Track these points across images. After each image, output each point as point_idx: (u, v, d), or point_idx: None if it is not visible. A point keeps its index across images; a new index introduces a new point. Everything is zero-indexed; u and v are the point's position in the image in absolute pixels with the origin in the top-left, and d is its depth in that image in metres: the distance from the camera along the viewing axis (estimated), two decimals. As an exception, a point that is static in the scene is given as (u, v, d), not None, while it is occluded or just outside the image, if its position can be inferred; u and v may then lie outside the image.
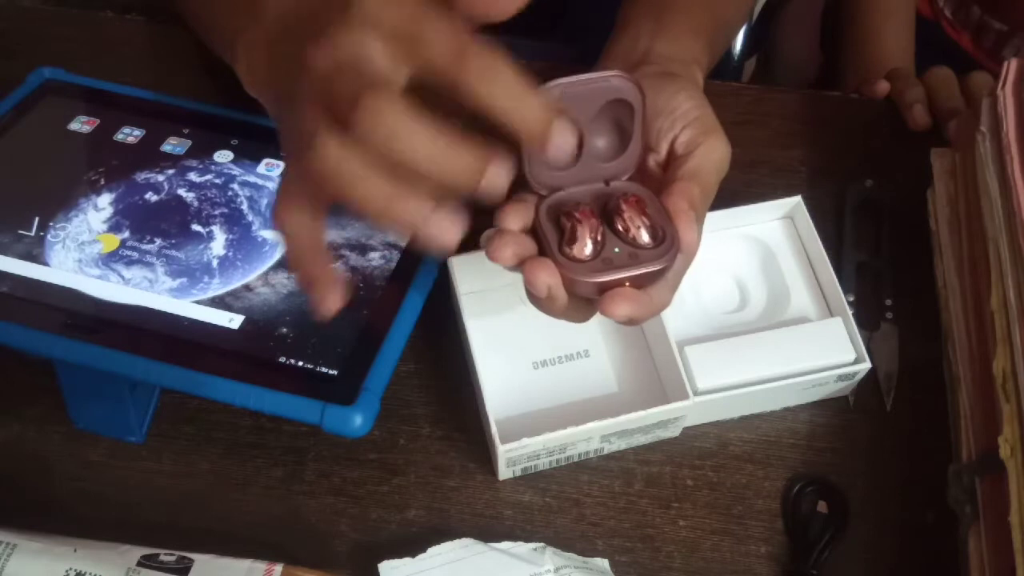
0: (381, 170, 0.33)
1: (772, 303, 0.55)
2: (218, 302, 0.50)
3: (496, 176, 0.34)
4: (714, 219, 0.56)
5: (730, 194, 0.58)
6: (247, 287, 0.50)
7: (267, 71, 0.41)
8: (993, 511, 0.44)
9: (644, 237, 0.40)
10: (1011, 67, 0.52)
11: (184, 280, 0.50)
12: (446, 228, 0.34)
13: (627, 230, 0.40)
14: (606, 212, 0.41)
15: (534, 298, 0.41)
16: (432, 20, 0.34)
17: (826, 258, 0.54)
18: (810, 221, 0.55)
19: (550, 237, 0.40)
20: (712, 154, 0.43)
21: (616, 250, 0.40)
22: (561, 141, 0.35)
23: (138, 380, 0.48)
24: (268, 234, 0.53)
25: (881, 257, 0.58)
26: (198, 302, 0.50)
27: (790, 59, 0.99)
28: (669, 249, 0.40)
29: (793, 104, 0.66)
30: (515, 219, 0.41)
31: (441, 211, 0.34)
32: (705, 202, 0.42)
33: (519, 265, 0.40)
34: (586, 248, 0.40)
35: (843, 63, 0.86)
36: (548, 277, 0.39)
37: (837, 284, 0.53)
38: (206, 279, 0.51)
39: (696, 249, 0.41)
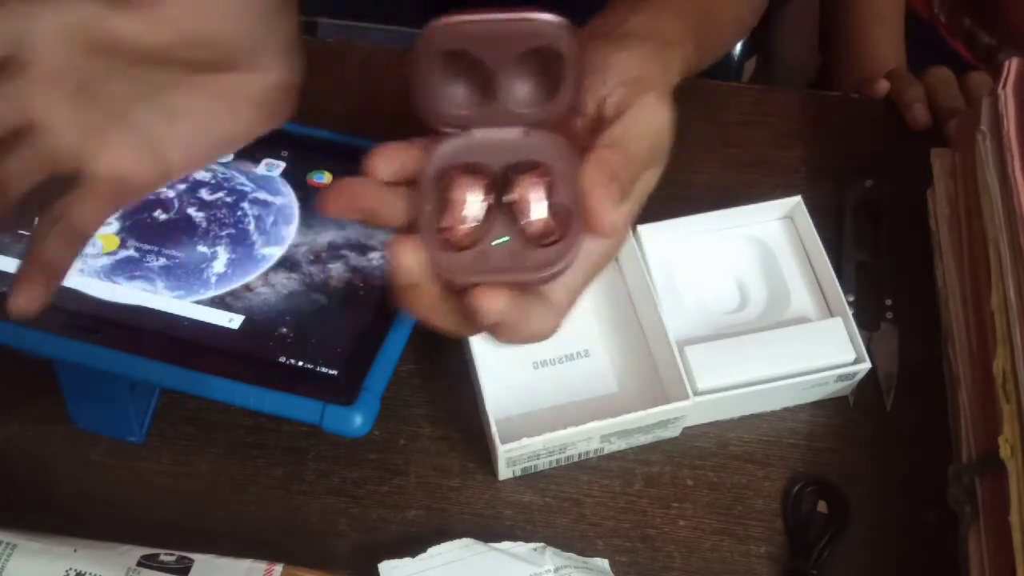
0: None
1: (772, 303, 0.55)
2: (218, 302, 0.50)
3: None
4: (714, 219, 0.56)
5: (730, 194, 0.58)
6: (247, 287, 0.50)
7: None
8: (993, 511, 0.44)
9: (537, 223, 0.32)
10: (1012, 67, 0.52)
11: (184, 280, 0.50)
12: None
13: (519, 211, 0.32)
14: (505, 180, 0.33)
15: (394, 287, 0.32)
16: None
17: (826, 258, 0.54)
18: (810, 221, 0.55)
19: (428, 202, 0.32)
20: (645, 117, 0.35)
21: (500, 239, 0.32)
22: None
23: (138, 380, 0.48)
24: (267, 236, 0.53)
25: (881, 257, 0.58)
26: (198, 302, 0.50)
27: (790, 59, 0.99)
28: (566, 251, 0.31)
29: (793, 104, 0.66)
30: (386, 163, 0.33)
31: None
32: (631, 175, 0.34)
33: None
34: (457, 227, 0.32)
35: (837, 70, 0.86)
36: (412, 259, 0.31)
37: (837, 284, 0.53)
38: (206, 279, 0.51)
39: (613, 233, 0.32)
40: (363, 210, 0.33)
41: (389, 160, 0.33)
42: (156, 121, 0.36)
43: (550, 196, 0.32)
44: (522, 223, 0.32)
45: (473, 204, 0.32)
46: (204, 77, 0.36)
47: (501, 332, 0.33)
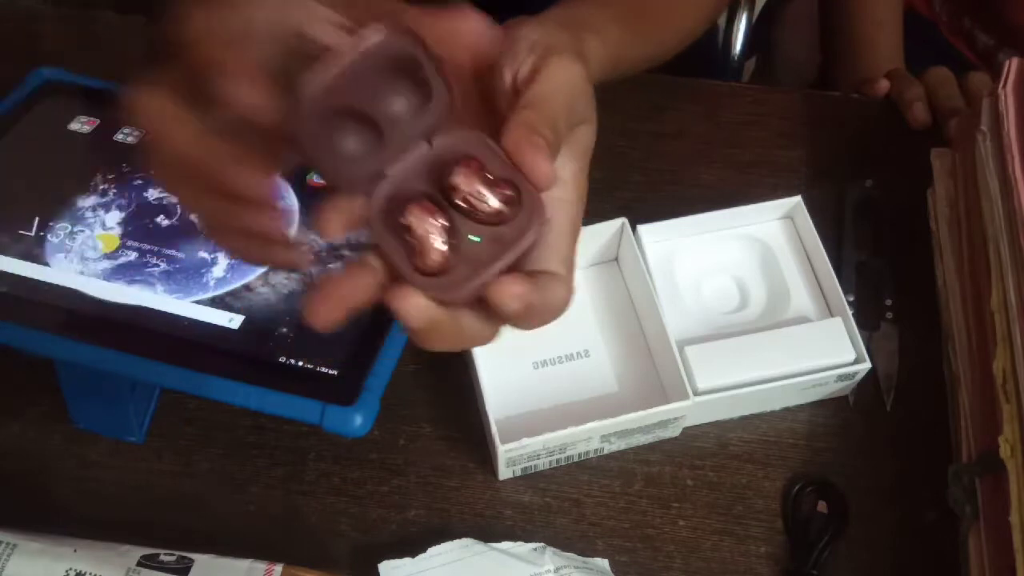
0: None
1: (772, 303, 0.55)
2: (218, 302, 0.50)
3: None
4: (714, 219, 0.56)
5: (730, 194, 0.58)
6: (247, 287, 0.50)
7: None
8: (993, 511, 0.44)
9: (493, 203, 0.32)
10: (1012, 66, 0.52)
11: (184, 280, 0.50)
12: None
13: (472, 206, 0.32)
14: (444, 190, 0.33)
15: (413, 333, 0.33)
16: (168, 135, 0.35)
17: (826, 258, 0.54)
18: (810, 221, 0.55)
19: (395, 251, 0.32)
20: (556, 75, 0.35)
21: (474, 238, 0.32)
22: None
23: (138, 380, 0.48)
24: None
25: (881, 257, 0.58)
26: (198, 302, 0.50)
27: (790, 59, 0.99)
28: (532, 211, 0.32)
29: (793, 104, 0.66)
30: (337, 217, 0.33)
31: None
32: (553, 127, 0.34)
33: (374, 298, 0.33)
34: (434, 256, 0.32)
35: (836, 74, 0.86)
36: (414, 303, 0.32)
37: (837, 284, 0.53)
38: (206, 279, 0.51)
39: (552, 183, 0.32)
40: (354, 306, 0.33)
41: (338, 214, 0.33)
42: None
43: (489, 179, 0.32)
44: (480, 214, 0.32)
45: (434, 230, 0.32)
46: None
47: (527, 317, 0.33)
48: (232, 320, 0.49)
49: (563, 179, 0.35)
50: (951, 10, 0.86)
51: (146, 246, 0.52)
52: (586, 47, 0.40)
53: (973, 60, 0.84)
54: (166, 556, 0.42)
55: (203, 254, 0.52)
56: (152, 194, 0.55)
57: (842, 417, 0.53)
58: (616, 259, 0.56)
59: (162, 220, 0.53)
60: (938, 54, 0.80)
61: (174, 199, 0.37)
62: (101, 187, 0.55)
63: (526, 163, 0.32)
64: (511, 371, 0.52)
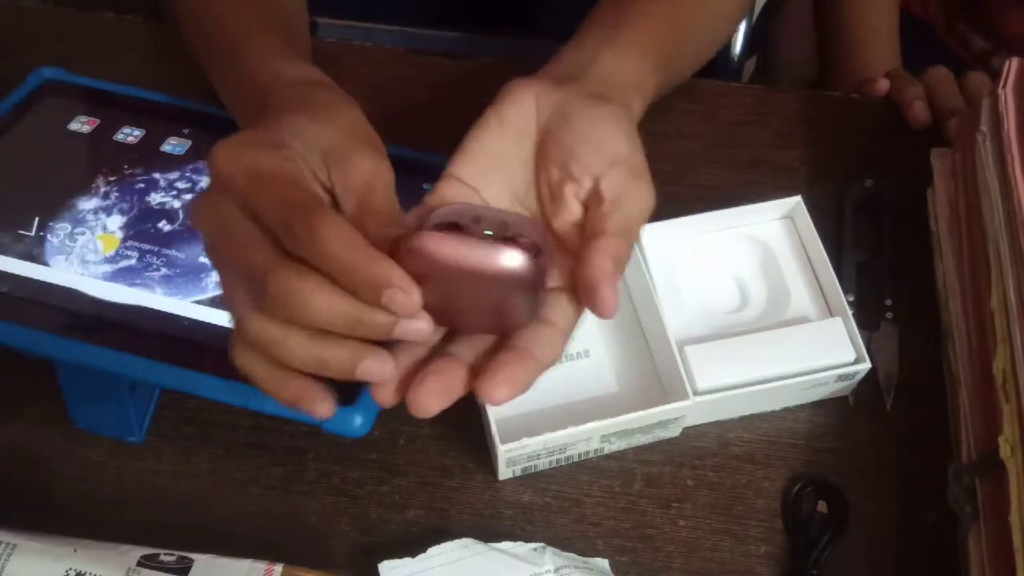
0: (302, 332, 0.35)
1: (772, 303, 0.55)
2: (218, 302, 0.50)
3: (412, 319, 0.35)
4: (714, 219, 0.56)
5: (730, 194, 0.58)
6: (247, 287, 0.50)
7: None
8: (993, 511, 0.44)
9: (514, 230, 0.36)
10: (1012, 66, 0.52)
11: (184, 280, 0.50)
12: (378, 366, 0.35)
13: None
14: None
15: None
16: (264, 188, 0.35)
17: (826, 258, 0.54)
18: (810, 221, 0.55)
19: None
20: (641, 204, 0.39)
21: (487, 232, 0.36)
22: (404, 301, 0.33)
23: (138, 380, 0.48)
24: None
25: (881, 257, 0.58)
26: (198, 302, 0.50)
27: (790, 59, 0.99)
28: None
29: (793, 104, 0.66)
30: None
31: (371, 352, 0.35)
32: (628, 258, 0.39)
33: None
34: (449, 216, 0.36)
35: (833, 79, 0.86)
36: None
37: (837, 284, 0.53)
38: (206, 279, 0.51)
39: (614, 314, 0.37)
40: (458, 391, 0.36)
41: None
42: None
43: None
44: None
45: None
46: None
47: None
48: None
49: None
50: (946, 14, 0.86)
51: (146, 246, 0.52)
52: (635, 111, 0.45)
53: (970, 61, 0.84)
54: (166, 556, 0.42)
55: (204, 259, 0.52)
56: (152, 195, 0.55)
57: (842, 417, 0.53)
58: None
59: (162, 220, 0.53)
60: (935, 56, 0.80)
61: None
62: (102, 188, 0.55)
63: (603, 293, 0.36)
64: (511, 371, 0.52)
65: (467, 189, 0.41)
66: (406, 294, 0.33)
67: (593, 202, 0.39)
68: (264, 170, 0.36)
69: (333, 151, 0.39)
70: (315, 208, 0.34)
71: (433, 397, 0.35)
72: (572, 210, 0.40)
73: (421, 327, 0.35)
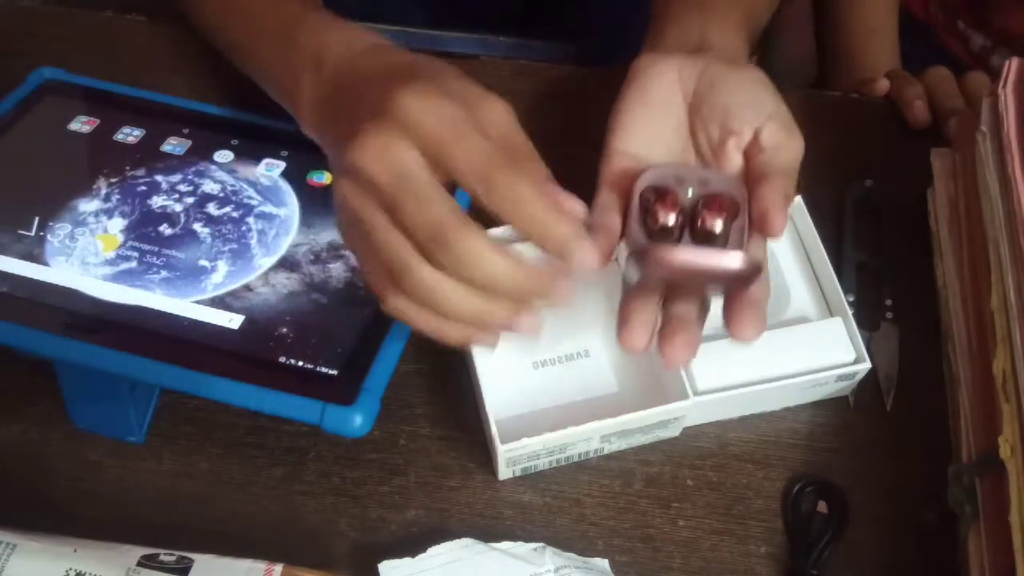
0: (468, 291, 0.38)
1: (772, 303, 0.54)
2: (218, 302, 0.50)
3: (582, 260, 0.38)
4: (714, 219, 0.56)
5: (730, 194, 0.58)
6: (247, 287, 0.50)
7: (321, 124, 0.46)
8: (993, 511, 0.44)
9: (718, 228, 0.42)
10: (1012, 66, 0.52)
11: (184, 280, 0.50)
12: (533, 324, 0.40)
13: (703, 225, 0.42)
14: (692, 212, 0.42)
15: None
16: (464, 137, 0.37)
17: (826, 258, 0.54)
18: (810, 221, 0.55)
19: (636, 216, 0.42)
20: (796, 151, 0.45)
21: (690, 190, 0.42)
22: (582, 258, 0.37)
23: (138, 380, 0.48)
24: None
25: (881, 257, 0.58)
26: (198, 302, 0.50)
27: (790, 59, 0.99)
28: (752, 263, 0.40)
29: (793, 104, 0.65)
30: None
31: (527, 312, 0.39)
32: (793, 198, 0.46)
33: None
34: (662, 222, 0.41)
35: (832, 80, 0.86)
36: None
37: (837, 284, 0.53)
38: (205, 280, 0.51)
39: (782, 233, 0.42)
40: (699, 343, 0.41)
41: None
42: None
43: (725, 216, 0.42)
44: (703, 232, 0.42)
45: (672, 212, 0.42)
46: None
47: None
48: (232, 320, 0.49)
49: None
50: (946, 12, 0.86)
51: (146, 246, 0.52)
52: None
53: (969, 62, 0.84)
54: (166, 556, 0.42)
55: (204, 263, 0.52)
56: (152, 195, 0.55)
57: (842, 417, 0.53)
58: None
59: (162, 220, 0.53)
60: (935, 55, 0.80)
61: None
62: (102, 189, 0.55)
63: (776, 221, 0.41)
64: (511, 371, 0.52)
65: (635, 161, 0.45)
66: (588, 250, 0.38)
67: (754, 151, 0.45)
68: (458, 119, 0.38)
69: (464, 92, 0.40)
70: (515, 160, 0.38)
71: (682, 348, 0.40)
72: (734, 161, 0.45)
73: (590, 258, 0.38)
